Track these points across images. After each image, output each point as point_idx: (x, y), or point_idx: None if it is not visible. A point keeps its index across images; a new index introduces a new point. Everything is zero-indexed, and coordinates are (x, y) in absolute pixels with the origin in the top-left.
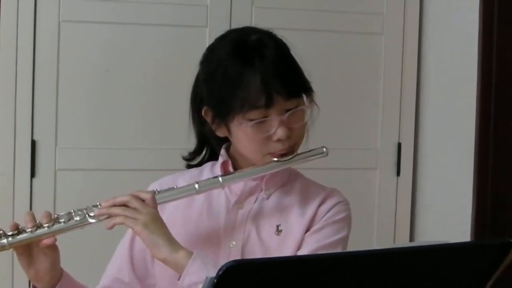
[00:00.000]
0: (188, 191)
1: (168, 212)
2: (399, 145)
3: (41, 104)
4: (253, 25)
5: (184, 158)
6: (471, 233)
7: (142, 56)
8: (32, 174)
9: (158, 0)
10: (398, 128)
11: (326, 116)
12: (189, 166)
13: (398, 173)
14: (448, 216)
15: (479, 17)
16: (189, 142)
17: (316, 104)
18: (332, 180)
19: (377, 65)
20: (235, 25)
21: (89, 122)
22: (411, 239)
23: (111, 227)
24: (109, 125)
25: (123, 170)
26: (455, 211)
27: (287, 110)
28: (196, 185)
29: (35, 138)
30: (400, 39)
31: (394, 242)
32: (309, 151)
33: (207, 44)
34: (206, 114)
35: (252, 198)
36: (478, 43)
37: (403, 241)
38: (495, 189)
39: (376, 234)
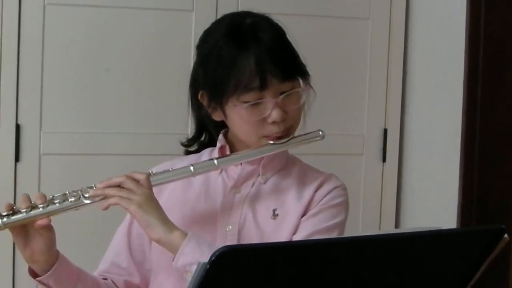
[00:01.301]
0: (183, 173)
1: (166, 196)
2: (385, 131)
3: (26, 88)
4: (239, 9)
5: (183, 144)
6: (457, 219)
7: (127, 40)
8: (17, 158)
9: None
10: (384, 114)
11: (312, 101)
12: (187, 153)
13: (384, 159)
14: (434, 202)
15: (467, 3)
16: (178, 127)
17: (312, 88)
18: (317, 166)
19: (363, 50)
20: (221, 9)
21: (74, 106)
22: (397, 225)
23: (106, 208)
24: (94, 109)
25: (108, 155)
26: (441, 197)
27: (282, 93)
28: (191, 167)
29: (19, 122)
30: (387, 24)
31: (379, 228)
32: (305, 134)
33: (193, 28)
34: (203, 98)
35: (249, 183)
36: (466, 28)
37: (388, 228)
38: (481, 175)
39: (361, 220)
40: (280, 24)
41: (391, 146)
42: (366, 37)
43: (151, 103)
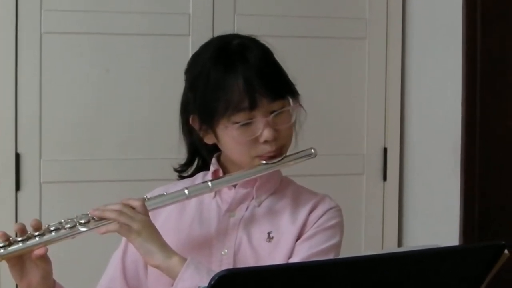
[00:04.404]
0: (178, 197)
1: (161, 222)
2: (385, 150)
3: (25, 116)
4: (235, 32)
5: (176, 170)
6: (459, 237)
7: (125, 66)
8: (17, 187)
9: (140, 9)
10: (383, 133)
11: (311, 122)
12: (181, 178)
13: (384, 178)
14: (436, 220)
15: (462, 21)
16: (177, 152)
17: (302, 107)
18: (318, 186)
19: (361, 70)
20: (217, 33)
21: (73, 134)
22: (399, 244)
23: (104, 232)
24: (93, 137)
25: (109, 181)
26: (443, 215)
27: (272, 112)
28: (186, 191)
29: (19, 151)
30: (384, 43)
31: (382, 247)
32: (297, 152)
33: (190, 53)
34: (194, 122)
35: (243, 206)
36: (462, 46)
37: (391, 247)
38: (482, 192)
39: (364, 239)
40: (267, 45)
41: (392, 164)
42: (363, 56)
43: (150, 128)
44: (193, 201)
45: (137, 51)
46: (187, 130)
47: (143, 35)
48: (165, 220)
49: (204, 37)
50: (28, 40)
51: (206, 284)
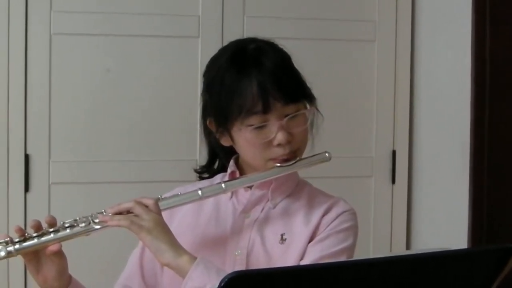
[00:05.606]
0: (191, 197)
1: (177, 221)
2: (394, 152)
3: (34, 117)
4: (245, 34)
5: (196, 171)
6: (467, 239)
7: (134, 68)
8: (26, 188)
9: (149, 11)
10: (392, 135)
11: (320, 124)
12: (201, 179)
13: (393, 181)
14: (444, 223)
15: (472, 23)
16: (187, 153)
17: (318, 111)
18: (327, 189)
19: (370, 72)
20: (227, 35)
21: (82, 135)
22: (408, 246)
23: (115, 226)
24: (103, 138)
25: (118, 183)
26: (451, 218)
27: (287, 116)
28: (199, 191)
29: (28, 152)
30: (393, 46)
31: (390, 250)
32: (311, 156)
33: (199, 54)
34: (211, 124)
35: (259, 207)
36: (471, 49)
37: (399, 249)
38: (491, 194)
39: (372, 242)
40: (285, 49)
41: (400, 167)
42: (372, 59)
43: (159, 130)
44: (210, 201)
45: (147, 52)
46: (206, 132)
47: (153, 36)
48: (181, 219)
49: (214, 39)
50: (38, 41)
51: (214, 284)
